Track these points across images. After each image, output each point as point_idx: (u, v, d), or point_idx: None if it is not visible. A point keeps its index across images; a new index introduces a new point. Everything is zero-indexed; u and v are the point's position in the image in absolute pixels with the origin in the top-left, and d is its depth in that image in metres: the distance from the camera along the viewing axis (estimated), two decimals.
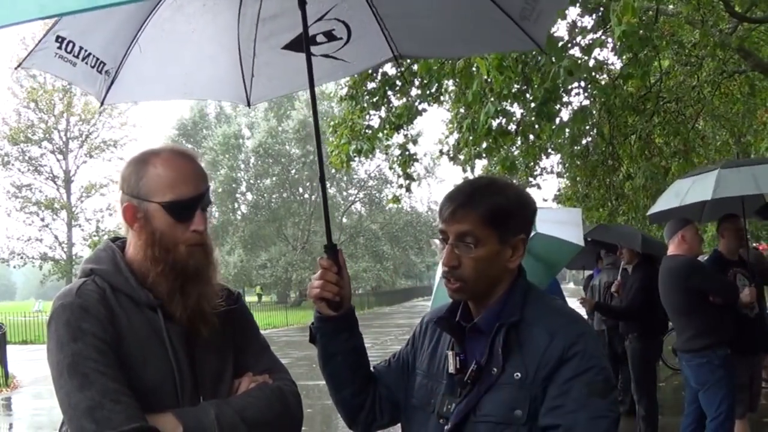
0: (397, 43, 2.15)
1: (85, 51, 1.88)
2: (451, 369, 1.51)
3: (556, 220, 4.45)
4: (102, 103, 2.07)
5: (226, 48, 2.14)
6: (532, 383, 1.40)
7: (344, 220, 43.57)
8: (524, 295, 1.51)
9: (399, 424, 1.69)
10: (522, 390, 1.40)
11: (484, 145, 7.57)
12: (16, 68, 1.94)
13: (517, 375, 1.42)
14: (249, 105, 2.29)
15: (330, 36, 2.10)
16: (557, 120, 7.62)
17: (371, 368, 1.74)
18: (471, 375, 1.46)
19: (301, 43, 1.98)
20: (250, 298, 43.44)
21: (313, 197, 41.93)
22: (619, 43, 6.69)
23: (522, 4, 1.99)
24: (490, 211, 1.48)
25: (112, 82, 2.01)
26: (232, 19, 2.09)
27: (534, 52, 6.19)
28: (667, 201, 5.34)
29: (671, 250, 4.73)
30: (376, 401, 1.69)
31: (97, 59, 1.93)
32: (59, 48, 1.83)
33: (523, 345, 1.44)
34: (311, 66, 1.86)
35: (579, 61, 6.38)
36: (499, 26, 2.01)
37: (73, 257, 37.13)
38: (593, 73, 7.89)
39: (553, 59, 5.92)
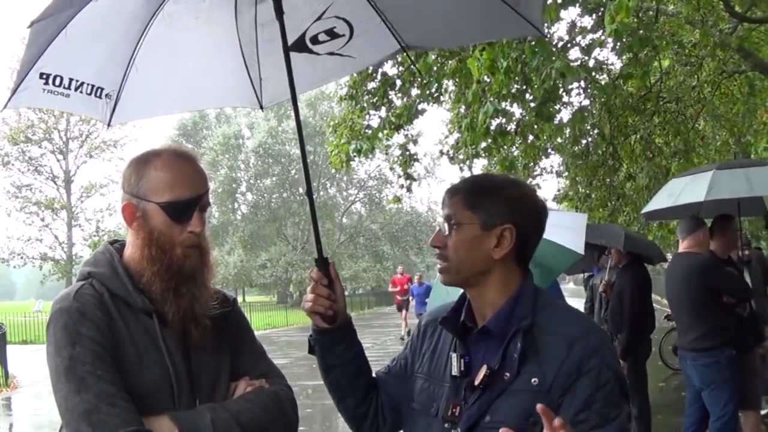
0: (402, 35, 2.16)
1: (77, 81, 1.89)
2: (455, 371, 1.48)
3: (560, 224, 4.26)
4: (109, 125, 2.08)
5: (229, 56, 2.14)
6: (549, 391, 1.38)
7: (344, 220, 43.57)
8: (534, 297, 1.49)
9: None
10: (538, 397, 1.34)
11: (483, 144, 7.58)
12: (1, 110, 1.93)
13: (535, 381, 1.39)
14: (262, 108, 2.32)
15: (332, 34, 2.10)
16: (557, 120, 7.62)
17: (373, 376, 1.72)
18: (484, 379, 1.42)
19: (304, 44, 1.97)
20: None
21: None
22: (618, 43, 6.70)
23: None
24: (470, 194, 1.50)
25: (116, 104, 2.01)
26: (230, 28, 2.09)
27: (533, 52, 6.18)
28: (660, 200, 5.32)
29: (685, 246, 4.62)
30: (378, 409, 1.68)
31: (93, 86, 1.94)
32: (46, 84, 1.82)
33: (540, 351, 1.41)
34: (291, 72, 1.86)
35: (572, 64, 6.37)
36: (496, 12, 2.03)
37: (73, 257, 37.17)
38: (593, 73, 7.89)
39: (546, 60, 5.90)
